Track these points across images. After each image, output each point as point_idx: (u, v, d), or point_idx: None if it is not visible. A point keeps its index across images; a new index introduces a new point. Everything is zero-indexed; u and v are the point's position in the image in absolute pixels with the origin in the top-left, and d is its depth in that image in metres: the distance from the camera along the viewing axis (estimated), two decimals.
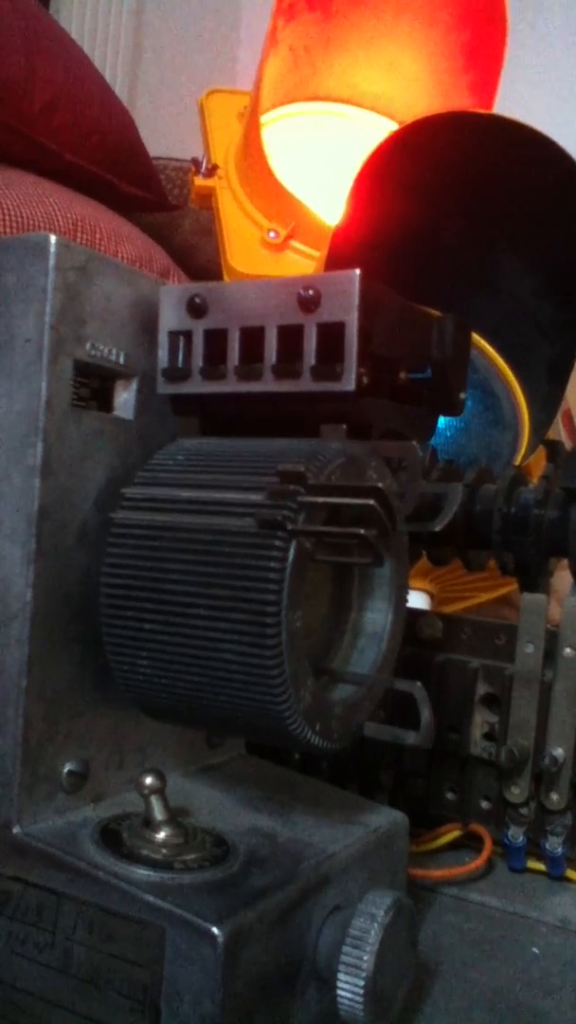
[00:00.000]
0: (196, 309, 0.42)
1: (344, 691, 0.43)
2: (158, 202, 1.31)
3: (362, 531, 0.36)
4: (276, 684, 0.37)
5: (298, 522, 0.36)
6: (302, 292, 0.40)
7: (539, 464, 0.85)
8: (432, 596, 0.89)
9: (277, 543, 0.36)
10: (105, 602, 0.41)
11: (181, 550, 0.39)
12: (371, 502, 0.37)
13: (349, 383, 0.39)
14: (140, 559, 0.40)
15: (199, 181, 1.08)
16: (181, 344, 0.43)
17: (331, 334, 0.40)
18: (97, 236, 1.05)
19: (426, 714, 0.40)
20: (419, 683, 0.41)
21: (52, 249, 0.39)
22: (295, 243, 1.03)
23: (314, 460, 0.37)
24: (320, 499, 0.36)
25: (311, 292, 0.39)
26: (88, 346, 0.41)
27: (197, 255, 1.33)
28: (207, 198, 1.08)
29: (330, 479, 0.37)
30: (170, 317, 0.43)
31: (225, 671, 0.38)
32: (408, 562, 0.44)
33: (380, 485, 0.37)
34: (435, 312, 0.47)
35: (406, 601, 0.45)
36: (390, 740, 0.41)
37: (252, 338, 0.41)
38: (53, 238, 0.39)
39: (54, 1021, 0.38)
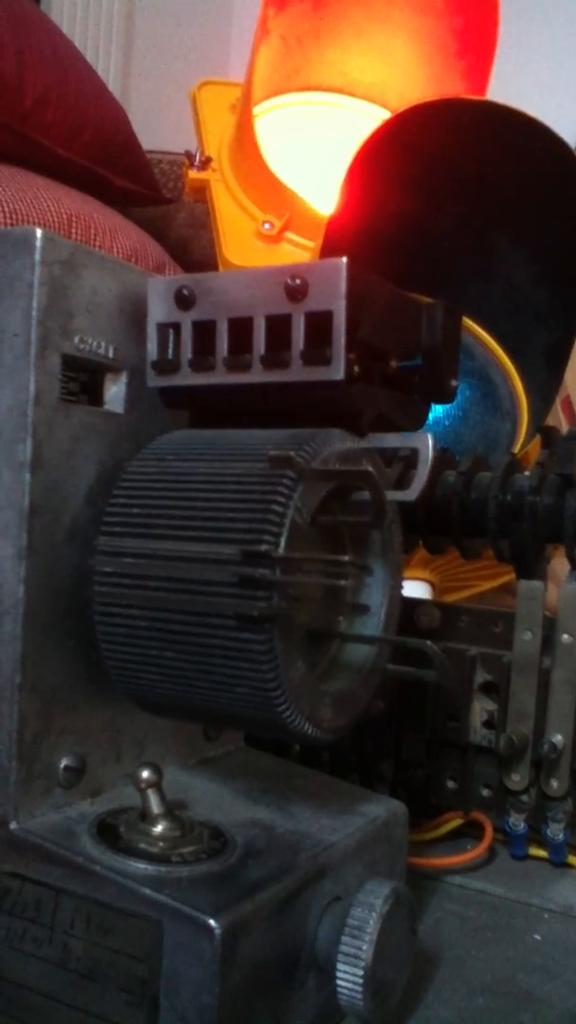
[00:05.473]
0: (184, 301, 0.42)
1: (355, 659, 0.43)
2: (152, 196, 1.31)
3: (340, 632, 0.40)
4: (295, 730, 0.38)
5: (273, 603, 0.36)
6: (289, 281, 0.39)
7: (538, 451, 0.85)
8: (433, 586, 0.89)
9: (260, 636, 0.36)
10: (114, 672, 0.42)
11: (171, 631, 0.39)
12: (341, 582, 0.39)
13: (338, 372, 0.39)
14: (135, 638, 0.40)
15: (193, 174, 1.07)
16: (170, 336, 0.43)
17: (319, 323, 0.39)
18: (92, 231, 1.04)
19: (439, 658, 0.40)
20: (428, 641, 0.41)
21: (37, 243, 0.39)
22: (290, 234, 1.03)
23: (270, 521, 0.37)
24: (288, 579, 0.36)
25: (298, 281, 0.39)
26: (76, 340, 0.41)
27: (192, 248, 1.32)
28: (201, 191, 1.08)
29: (297, 520, 0.37)
30: (158, 309, 0.43)
31: (242, 720, 0.41)
32: (400, 525, 0.44)
33: (347, 558, 0.39)
34: (425, 299, 0.46)
35: (402, 565, 0.45)
36: (411, 679, 0.42)
37: (240, 329, 0.41)
38: (38, 232, 0.39)
39: (53, 1016, 0.38)
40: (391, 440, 0.43)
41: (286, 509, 0.37)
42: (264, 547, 0.36)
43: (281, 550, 0.36)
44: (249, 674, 0.37)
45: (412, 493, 0.41)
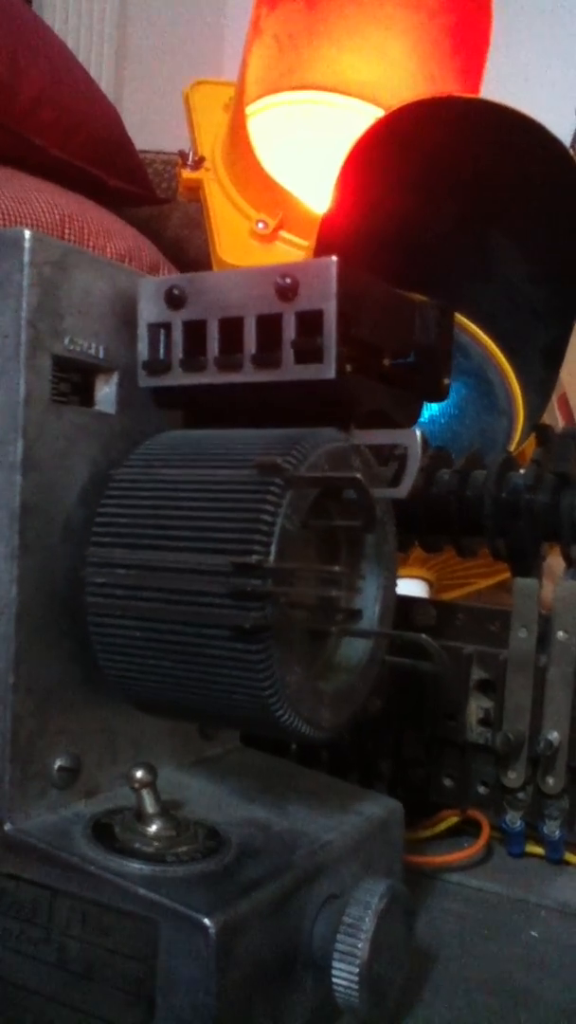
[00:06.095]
0: (175, 301, 0.42)
1: (352, 656, 0.43)
2: (146, 196, 1.31)
3: (333, 629, 0.40)
4: (294, 732, 0.39)
5: (266, 614, 0.36)
6: (280, 281, 0.39)
7: (534, 449, 0.85)
8: (430, 584, 0.89)
9: (254, 646, 0.36)
10: (112, 678, 0.42)
11: (166, 640, 0.39)
12: (333, 593, 0.40)
13: (329, 370, 0.39)
14: (130, 647, 0.40)
15: (186, 174, 1.07)
16: (161, 336, 0.43)
17: (310, 322, 0.39)
18: (85, 232, 1.04)
19: (436, 650, 0.40)
20: (424, 635, 0.41)
21: (27, 244, 0.39)
22: (284, 233, 1.03)
23: (260, 531, 0.36)
24: (280, 589, 0.36)
25: (288, 280, 0.39)
26: (67, 341, 0.41)
27: (187, 248, 1.32)
28: (195, 191, 1.08)
29: (287, 526, 0.37)
30: (149, 309, 0.43)
31: (243, 722, 0.42)
32: (395, 525, 0.44)
33: (339, 568, 0.39)
34: (419, 297, 0.46)
35: (396, 561, 0.45)
36: (409, 670, 0.42)
37: (231, 328, 0.41)
38: (28, 233, 0.39)
39: (50, 1016, 0.38)
40: (379, 437, 0.42)
41: (275, 517, 0.36)
42: (255, 557, 0.36)
43: (272, 559, 0.36)
44: (246, 682, 0.37)
45: (403, 490, 0.40)
